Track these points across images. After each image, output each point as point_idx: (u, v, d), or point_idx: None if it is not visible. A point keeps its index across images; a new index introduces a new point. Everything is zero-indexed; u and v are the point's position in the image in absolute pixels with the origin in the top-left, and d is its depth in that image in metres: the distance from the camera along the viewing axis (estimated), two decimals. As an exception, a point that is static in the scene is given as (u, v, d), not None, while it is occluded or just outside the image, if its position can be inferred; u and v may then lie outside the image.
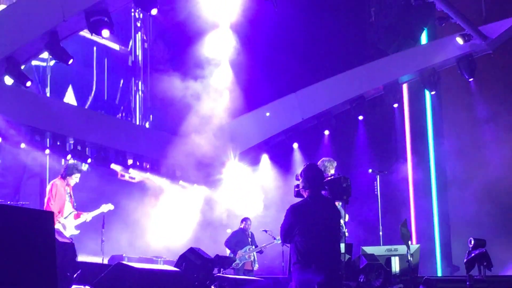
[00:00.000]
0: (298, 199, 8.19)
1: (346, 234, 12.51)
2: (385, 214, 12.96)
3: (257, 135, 20.64)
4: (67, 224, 12.57)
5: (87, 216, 12.96)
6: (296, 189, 8.32)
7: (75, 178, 12.87)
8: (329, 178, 8.72)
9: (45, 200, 12.68)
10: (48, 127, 16.43)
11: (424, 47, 18.90)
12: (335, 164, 12.57)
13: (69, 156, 16.75)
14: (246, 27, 19.54)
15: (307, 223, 7.92)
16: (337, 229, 8.17)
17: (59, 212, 12.44)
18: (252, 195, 20.20)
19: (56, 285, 5.33)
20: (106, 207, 13.41)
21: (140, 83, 22.29)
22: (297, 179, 8.25)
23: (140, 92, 22.31)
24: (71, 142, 17.09)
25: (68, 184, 12.79)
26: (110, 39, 20.34)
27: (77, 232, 12.81)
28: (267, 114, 20.02)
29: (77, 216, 12.78)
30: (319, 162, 12.48)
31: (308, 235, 7.89)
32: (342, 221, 12.55)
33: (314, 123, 20.05)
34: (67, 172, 12.82)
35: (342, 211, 12.49)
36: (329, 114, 19.69)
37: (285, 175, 20.00)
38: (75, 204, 12.89)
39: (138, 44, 22.41)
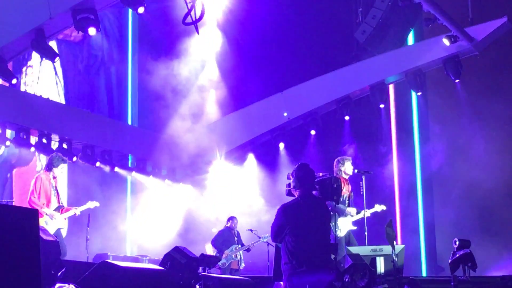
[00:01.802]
0: (290, 198, 8.23)
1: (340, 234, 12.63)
2: (373, 214, 12.98)
3: (243, 134, 20.65)
4: (55, 215, 12.47)
5: (76, 211, 12.88)
6: (287, 188, 8.36)
7: (61, 169, 12.82)
8: (319, 178, 8.75)
9: (28, 193, 12.61)
10: (34, 125, 16.37)
11: (410, 48, 18.95)
12: (347, 161, 12.72)
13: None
14: (233, 26, 19.55)
15: (298, 222, 7.93)
16: (327, 228, 8.20)
17: (43, 204, 12.35)
18: (239, 193, 20.20)
19: (40, 283, 5.31)
20: (92, 204, 13.33)
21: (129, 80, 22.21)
22: (289, 178, 8.30)
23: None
24: (57, 140, 17.03)
25: (54, 177, 12.73)
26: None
27: (65, 224, 12.74)
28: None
29: (64, 211, 12.69)
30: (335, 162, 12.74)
31: (299, 235, 7.89)
32: (345, 219, 12.70)
33: (300, 123, 20.09)
34: (53, 163, 12.70)
35: (347, 208, 12.64)
36: (316, 114, 19.73)
37: (271, 175, 20.02)
38: (61, 198, 12.81)
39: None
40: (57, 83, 18.65)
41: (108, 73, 21.22)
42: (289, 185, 8.31)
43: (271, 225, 8.10)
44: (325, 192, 8.59)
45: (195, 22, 7.87)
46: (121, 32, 22.09)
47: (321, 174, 8.91)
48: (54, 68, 18.49)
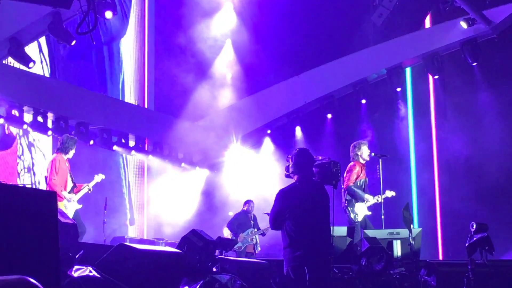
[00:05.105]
0: (289, 180, 8.27)
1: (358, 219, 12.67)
2: (388, 198, 12.95)
3: (259, 118, 20.64)
4: (72, 198, 12.55)
5: (88, 187, 12.94)
6: (286, 172, 8.39)
7: (73, 151, 12.85)
8: (319, 162, 8.72)
9: (48, 176, 12.61)
10: (51, 108, 16.39)
11: (427, 31, 18.85)
12: (363, 145, 12.77)
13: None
14: (249, 9, 19.50)
15: (297, 207, 7.96)
16: (327, 212, 8.18)
17: (61, 185, 12.42)
18: (256, 177, 20.19)
19: (58, 265, 5.33)
20: (99, 177, 13.39)
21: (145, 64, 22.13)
22: (287, 161, 8.32)
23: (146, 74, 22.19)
24: (74, 124, 17.03)
25: (68, 158, 12.76)
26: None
27: (80, 206, 12.77)
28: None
29: (77, 190, 12.74)
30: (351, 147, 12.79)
31: (298, 219, 7.91)
32: (361, 204, 12.72)
33: (316, 106, 20.07)
34: (67, 145, 12.72)
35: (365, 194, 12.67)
36: (332, 97, 19.69)
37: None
38: (73, 178, 12.85)
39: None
40: (42, 62, 18.51)
41: (100, 52, 20.95)
42: (288, 167, 8.33)
43: (270, 211, 8.14)
44: (323, 176, 8.57)
45: (90, 31, 7.81)
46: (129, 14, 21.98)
47: (320, 158, 8.87)
48: (40, 47, 18.28)
